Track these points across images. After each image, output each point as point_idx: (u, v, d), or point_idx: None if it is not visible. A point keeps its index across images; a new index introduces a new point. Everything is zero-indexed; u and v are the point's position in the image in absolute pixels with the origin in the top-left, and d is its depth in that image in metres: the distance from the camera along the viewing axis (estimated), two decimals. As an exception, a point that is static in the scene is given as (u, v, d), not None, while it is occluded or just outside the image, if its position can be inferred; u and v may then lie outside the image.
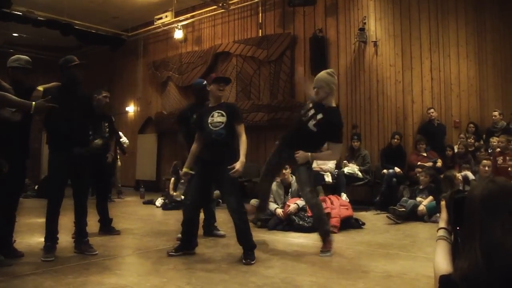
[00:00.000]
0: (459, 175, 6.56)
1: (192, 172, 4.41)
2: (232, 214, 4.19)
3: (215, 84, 4.36)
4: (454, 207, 1.82)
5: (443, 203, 1.96)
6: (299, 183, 4.55)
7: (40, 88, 4.21)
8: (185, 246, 4.35)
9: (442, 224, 1.90)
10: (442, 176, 6.57)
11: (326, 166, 7.91)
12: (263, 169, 4.94)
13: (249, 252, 4.06)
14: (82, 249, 4.28)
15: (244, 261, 3.98)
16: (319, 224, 4.45)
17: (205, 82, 5.72)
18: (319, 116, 4.30)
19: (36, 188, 10.58)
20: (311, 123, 4.32)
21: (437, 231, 1.87)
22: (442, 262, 1.75)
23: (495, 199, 1.56)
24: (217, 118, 4.30)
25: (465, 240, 1.60)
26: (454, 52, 8.38)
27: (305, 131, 4.36)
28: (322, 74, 4.43)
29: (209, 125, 4.33)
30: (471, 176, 6.72)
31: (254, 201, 6.38)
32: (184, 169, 4.45)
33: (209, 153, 4.29)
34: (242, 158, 4.16)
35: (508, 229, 1.50)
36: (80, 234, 4.37)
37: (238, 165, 4.07)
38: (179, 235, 5.02)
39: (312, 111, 4.37)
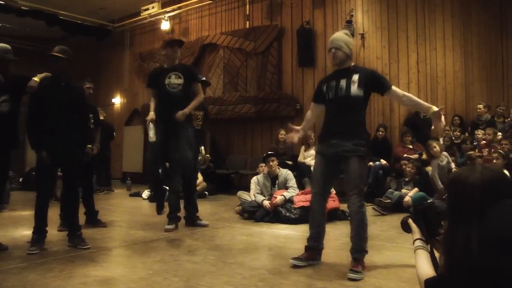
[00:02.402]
0: (436, 145, 6.51)
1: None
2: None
3: (169, 48, 4.81)
4: (423, 217, 2.03)
5: (410, 221, 2.06)
6: None
7: (36, 79, 4.17)
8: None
9: (416, 236, 1.96)
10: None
11: (311, 159, 7.93)
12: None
13: None
14: (75, 243, 4.24)
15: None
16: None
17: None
18: (355, 77, 3.40)
19: (20, 180, 10.47)
20: (354, 88, 3.39)
21: (413, 243, 1.93)
22: (425, 268, 1.81)
23: (496, 184, 1.54)
24: (174, 80, 4.70)
25: (456, 227, 1.54)
26: (440, 45, 8.41)
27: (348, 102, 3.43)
28: (339, 33, 3.58)
29: (166, 86, 4.73)
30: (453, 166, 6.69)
31: (241, 193, 6.41)
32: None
33: (168, 113, 4.62)
34: (186, 109, 4.66)
35: (506, 214, 1.47)
36: (73, 227, 4.34)
37: (179, 113, 4.59)
38: (168, 226, 5.06)
39: (341, 81, 3.44)
